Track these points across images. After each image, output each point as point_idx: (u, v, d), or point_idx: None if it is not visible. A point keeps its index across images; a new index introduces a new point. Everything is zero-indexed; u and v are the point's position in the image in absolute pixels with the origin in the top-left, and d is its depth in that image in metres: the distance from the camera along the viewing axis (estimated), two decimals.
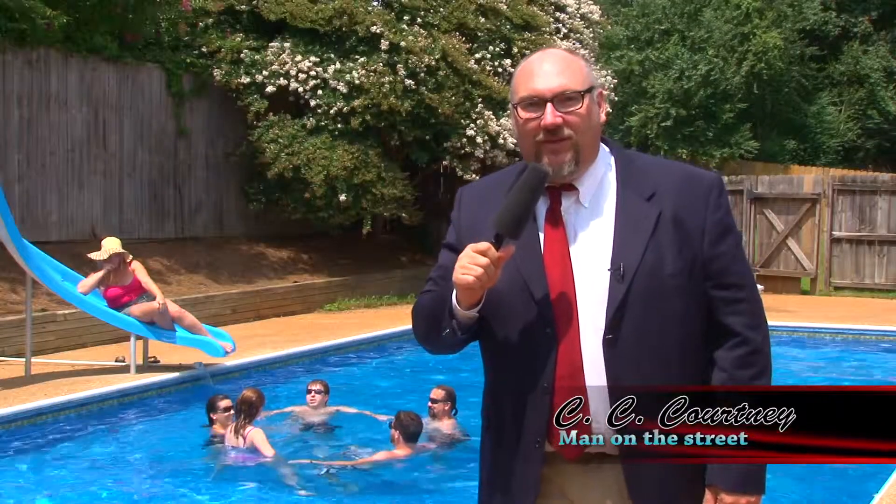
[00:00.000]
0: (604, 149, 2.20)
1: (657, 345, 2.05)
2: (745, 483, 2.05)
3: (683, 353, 2.09)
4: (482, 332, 2.16)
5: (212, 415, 6.84)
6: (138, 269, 8.30)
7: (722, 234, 2.12)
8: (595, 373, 2.04)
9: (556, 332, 2.06)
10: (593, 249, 2.08)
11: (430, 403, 6.92)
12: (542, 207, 2.13)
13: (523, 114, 2.10)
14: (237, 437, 6.36)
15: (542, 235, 2.12)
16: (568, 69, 2.10)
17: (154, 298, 8.20)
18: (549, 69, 2.10)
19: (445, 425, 6.80)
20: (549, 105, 2.06)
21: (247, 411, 6.42)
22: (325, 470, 6.18)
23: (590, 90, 2.11)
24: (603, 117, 2.17)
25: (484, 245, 1.99)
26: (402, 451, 6.29)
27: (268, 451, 6.23)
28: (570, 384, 2.04)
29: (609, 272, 2.05)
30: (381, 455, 6.33)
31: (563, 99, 2.07)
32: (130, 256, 8.34)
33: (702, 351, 2.13)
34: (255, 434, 6.31)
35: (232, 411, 6.85)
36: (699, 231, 2.10)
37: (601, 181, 2.15)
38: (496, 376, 2.19)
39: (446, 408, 6.88)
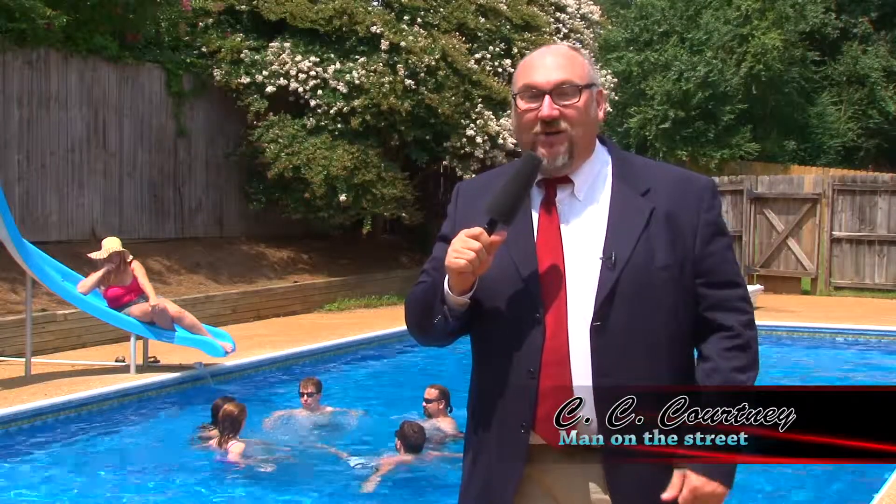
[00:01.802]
0: (601, 147, 2.24)
1: (645, 335, 2.07)
2: (716, 470, 2.04)
3: (670, 345, 2.10)
4: (473, 321, 2.17)
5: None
6: (137, 269, 8.29)
7: (714, 235, 2.16)
8: (582, 360, 2.05)
9: (544, 317, 2.07)
10: (586, 239, 2.11)
11: (424, 403, 6.92)
12: (537, 198, 2.17)
13: (522, 104, 2.14)
14: (221, 449, 6.36)
15: (535, 224, 2.15)
16: (569, 64, 2.14)
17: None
18: (550, 63, 2.14)
19: (443, 423, 6.79)
20: (547, 97, 2.10)
21: (230, 427, 6.37)
22: (329, 467, 6.18)
23: (589, 86, 2.14)
24: (601, 115, 2.20)
25: (477, 230, 2.02)
26: (407, 457, 6.28)
27: (238, 462, 6.22)
28: (556, 370, 2.05)
29: (601, 260, 2.07)
30: (387, 460, 6.30)
31: (560, 92, 2.11)
32: (131, 256, 8.33)
33: (689, 346, 2.16)
34: (236, 447, 6.30)
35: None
36: (692, 229, 2.13)
37: (597, 176, 2.19)
38: (483, 363, 2.20)
39: (441, 406, 6.89)
